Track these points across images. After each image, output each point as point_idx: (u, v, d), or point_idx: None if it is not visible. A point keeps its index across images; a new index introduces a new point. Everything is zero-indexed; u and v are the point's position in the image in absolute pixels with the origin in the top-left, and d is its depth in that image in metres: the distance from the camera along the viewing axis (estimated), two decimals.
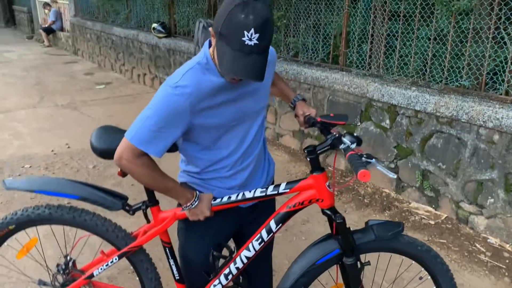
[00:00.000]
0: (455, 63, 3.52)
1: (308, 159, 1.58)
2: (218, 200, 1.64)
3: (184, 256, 1.75)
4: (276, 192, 1.59)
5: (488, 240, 3.17)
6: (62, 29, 12.87)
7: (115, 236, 1.72)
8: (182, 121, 1.45)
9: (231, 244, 1.87)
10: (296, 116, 1.85)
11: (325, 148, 1.55)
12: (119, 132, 1.61)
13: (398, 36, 3.84)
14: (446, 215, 3.49)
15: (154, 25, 7.25)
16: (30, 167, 4.52)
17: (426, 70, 3.71)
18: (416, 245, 1.64)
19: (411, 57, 3.79)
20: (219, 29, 1.34)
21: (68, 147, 5.07)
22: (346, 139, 1.51)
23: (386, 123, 3.86)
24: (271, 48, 1.63)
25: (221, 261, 1.72)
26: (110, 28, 9.09)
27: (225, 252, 1.72)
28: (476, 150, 3.21)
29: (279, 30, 5.05)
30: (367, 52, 4.14)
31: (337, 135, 1.56)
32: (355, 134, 1.52)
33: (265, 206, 1.79)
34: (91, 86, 8.22)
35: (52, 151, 4.97)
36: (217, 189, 1.66)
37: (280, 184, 1.59)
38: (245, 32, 1.29)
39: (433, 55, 3.64)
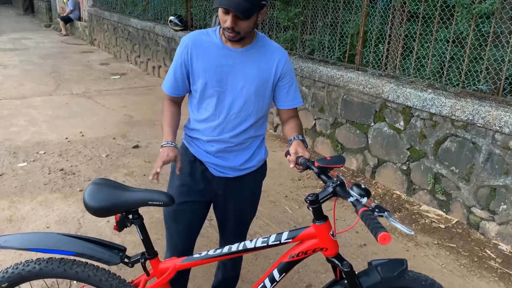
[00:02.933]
0: (473, 67, 3.48)
1: (311, 209, 1.49)
2: (218, 251, 1.61)
3: (167, 230, 2.03)
4: (278, 242, 1.53)
5: (499, 247, 3.14)
6: (79, 18, 12.98)
7: (109, 285, 1.65)
8: (182, 57, 1.81)
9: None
10: (286, 155, 1.73)
11: (328, 197, 1.46)
12: (113, 188, 1.61)
13: (416, 37, 3.81)
14: (457, 220, 3.46)
15: (171, 17, 7.28)
16: (44, 153, 4.58)
17: (443, 73, 3.68)
18: (420, 280, 1.60)
19: (428, 59, 3.75)
20: None
21: (82, 136, 5.12)
22: (355, 193, 1.39)
23: (400, 124, 3.83)
24: (284, 51, 1.85)
25: None
26: (127, 19, 9.14)
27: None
28: (491, 156, 3.18)
29: (296, 27, 5.04)
30: (383, 52, 4.12)
31: (338, 181, 1.47)
32: (362, 186, 1.42)
33: (238, 187, 1.92)
34: (106, 76, 8.28)
35: (66, 138, 5.02)
36: (198, 149, 1.90)
37: (282, 233, 1.55)
38: None
39: (451, 57, 3.61)
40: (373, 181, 4.14)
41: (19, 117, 5.73)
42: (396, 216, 3.57)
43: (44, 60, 9.49)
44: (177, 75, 1.83)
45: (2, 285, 1.67)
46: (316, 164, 1.53)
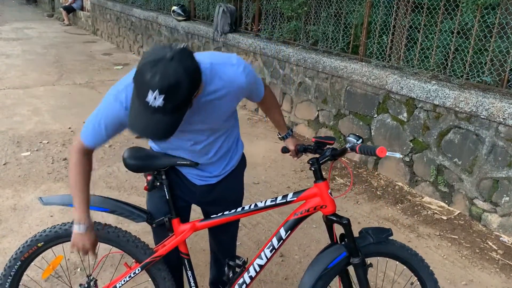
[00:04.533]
0: (477, 58, 3.46)
1: (312, 169, 1.71)
2: (233, 211, 1.75)
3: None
4: (284, 201, 1.71)
5: (501, 239, 3.15)
6: (82, 8, 12.93)
7: (135, 246, 1.79)
8: (115, 125, 1.54)
9: (244, 254, 1.96)
10: (285, 151, 1.97)
11: (326, 158, 1.68)
12: (147, 151, 1.79)
13: (420, 28, 3.78)
14: (459, 211, 3.47)
15: (174, 7, 7.25)
16: (48, 143, 4.59)
17: (447, 64, 3.66)
18: (406, 249, 1.77)
19: (432, 50, 3.73)
20: (133, 76, 1.30)
21: None
22: (351, 138, 1.64)
23: (404, 116, 3.82)
24: (240, 73, 1.54)
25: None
26: (129, 9, 9.10)
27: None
28: (494, 148, 3.17)
29: (299, 18, 5.01)
30: (387, 44, 4.09)
31: (333, 147, 1.70)
32: (356, 134, 1.67)
33: (224, 193, 1.87)
34: (109, 66, 8.27)
35: (69, 128, 5.03)
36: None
37: (288, 194, 1.73)
38: (150, 92, 1.23)
39: (455, 49, 3.59)
40: (376, 173, 4.14)
41: (22, 106, 5.74)
42: (397, 207, 3.58)
43: (46, 50, 9.48)
44: (108, 131, 1.54)
45: (38, 244, 1.76)
46: (313, 139, 1.77)
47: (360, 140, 1.62)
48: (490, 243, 3.09)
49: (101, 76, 7.47)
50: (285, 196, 1.71)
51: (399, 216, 3.45)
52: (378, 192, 3.81)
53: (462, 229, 3.26)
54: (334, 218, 1.69)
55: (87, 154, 1.60)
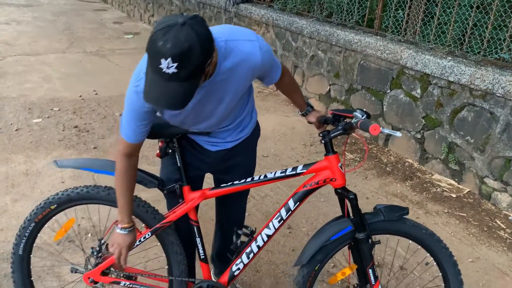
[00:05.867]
0: (496, 34, 3.37)
1: (323, 142, 1.70)
2: (243, 181, 1.76)
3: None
4: (294, 173, 1.71)
5: (510, 218, 3.14)
6: None
7: (146, 211, 1.80)
8: (148, 115, 1.52)
9: (252, 225, 1.98)
10: (309, 123, 1.97)
11: (338, 132, 1.65)
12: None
13: (438, 2, 3.68)
14: (468, 190, 3.45)
15: None
16: (59, 110, 4.61)
17: (464, 40, 3.58)
18: (420, 228, 1.73)
19: (450, 25, 3.64)
20: (146, 45, 1.27)
21: (96, 94, 5.13)
22: (357, 113, 1.63)
23: (417, 92, 3.77)
24: (256, 50, 1.51)
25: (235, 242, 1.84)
26: None
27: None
28: (508, 126, 3.13)
29: None
30: (404, 17, 4.00)
31: (347, 121, 1.66)
32: (364, 110, 1.65)
33: (237, 159, 1.88)
34: (119, 35, 8.21)
35: (80, 96, 5.04)
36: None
37: (298, 166, 1.72)
38: (162, 60, 1.21)
39: (473, 24, 3.50)
40: (386, 149, 4.11)
41: (33, 73, 5.75)
42: (407, 184, 3.57)
43: (57, 17, 9.41)
44: (144, 123, 1.54)
45: (51, 206, 1.81)
46: (331, 112, 1.75)
47: (365, 116, 1.59)
48: (499, 222, 3.09)
49: (112, 45, 7.43)
50: (295, 168, 1.71)
51: (408, 193, 3.44)
52: (387, 169, 3.79)
53: (471, 207, 3.25)
54: (342, 192, 1.69)
55: (133, 155, 1.61)
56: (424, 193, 3.44)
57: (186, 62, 1.21)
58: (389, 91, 4.02)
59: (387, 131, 1.48)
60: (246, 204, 2.17)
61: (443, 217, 3.14)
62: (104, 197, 1.81)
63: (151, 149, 3.84)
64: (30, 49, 6.87)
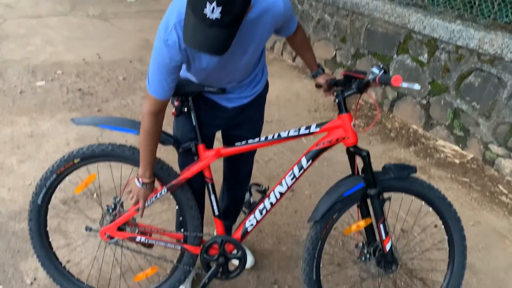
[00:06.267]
0: None
1: (336, 101, 1.69)
2: (257, 139, 1.78)
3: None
4: (307, 131, 1.72)
5: None
6: None
7: (161, 168, 1.81)
8: (176, 70, 1.53)
9: (270, 183, 1.99)
10: (318, 86, 1.92)
11: (352, 91, 1.65)
12: None
13: None
14: (472, 156, 3.45)
15: None
16: (62, 73, 4.59)
17: (474, 3, 3.49)
18: (432, 189, 1.75)
19: None
20: None
21: (99, 57, 5.09)
22: (374, 69, 1.60)
23: (424, 57, 3.71)
24: (277, 1, 1.51)
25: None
26: None
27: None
28: None
29: None
30: None
31: (362, 80, 1.64)
32: (380, 66, 1.61)
33: (250, 113, 1.89)
34: None
35: (83, 60, 5.00)
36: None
37: (311, 125, 1.72)
38: (207, 4, 1.20)
39: None
40: (391, 115, 4.09)
41: (35, 36, 5.69)
42: (410, 149, 3.57)
43: None
44: (173, 76, 1.54)
45: (75, 160, 1.82)
46: (343, 73, 1.71)
47: (382, 71, 1.57)
48: (501, 187, 3.10)
49: (115, 9, 7.31)
50: (308, 127, 1.71)
51: (412, 158, 3.45)
52: (391, 134, 3.79)
53: (474, 173, 3.26)
54: (355, 150, 1.70)
55: (160, 113, 1.62)
56: (428, 158, 3.44)
57: (230, 7, 1.23)
58: (395, 56, 3.97)
59: (406, 84, 1.47)
60: (253, 163, 2.20)
61: (446, 182, 3.15)
62: (128, 156, 1.81)
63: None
64: (31, 11, 6.78)
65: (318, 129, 1.70)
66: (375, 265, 1.80)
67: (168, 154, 2.54)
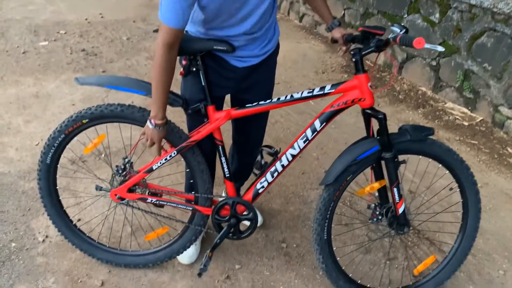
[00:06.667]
0: None
1: (353, 60, 1.62)
2: (268, 101, 1.71)
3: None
4: (322, 92, 1.66)
5: None
6: None
7: (171, 130, 1.77)
8: None
9: (277, 145, 1.96)
10: (333, 41, 1.83)
11: (370, 50, 1.56)
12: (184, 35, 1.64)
13: None
14: (481, 118, 3.41)
15: None
16: (65, 33, 4.51)
17: None
18: (450, 151, 1.70)
19: None
20: None
21: (102, 17, 4.99)
22: (395, 28, 1.54)
23: (436, 17, 3.61)
24: None
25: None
26: None
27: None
28: None
29: None
30: None
31: (380, 38, 1.56)
32: (402, 24, 1.54)
33: (261, 76, 1.83)
34: None
35: (86, 19, 4.91)
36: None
37: (325, 86, 1.66)
38: None
39: None
40: (399, 77, 4.03)
41: None
42: (419, 111, 3.53)
43: None
44: (188, 2, 1.44)
45: (83, 120, 1.79)
46: (360, 29, 1.63)
47: (404, 31, 1.50)
48: (510, 150, 3.08)
49: None
50: (322, 88, 1.65)
51: (420, 120, 3.42)
52: (400, 96, 3.74)
53: (482, 135, 3.23)
54: (371, 112, 1.65)
55: (174, 47, 1.53)
56: (436, 120, 3.41)
57: None
58: (406, 16, 3.86)
59: (429, 45, 1.40)
60: (264, 129, 2.13)
61: (454, 144, 3.13)
62: (138, 118, 1.77)
63: None
64: None
65: (333, 90, 1.64)
66: (386, 226, 1.80)
67: (174, 116, 2.52)
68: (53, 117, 3.12)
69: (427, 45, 1.40)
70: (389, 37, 1.51)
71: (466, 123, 3.37)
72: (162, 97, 1.61)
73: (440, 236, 2.32)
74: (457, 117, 3.45)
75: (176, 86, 1.86)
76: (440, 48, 1.43)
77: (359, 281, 1.89)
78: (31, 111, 3.18)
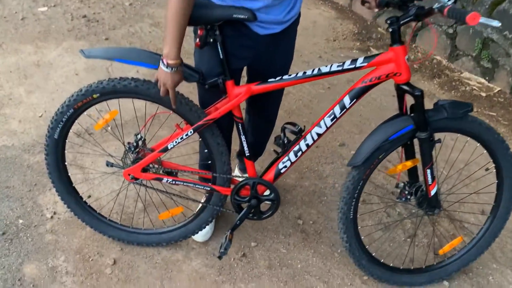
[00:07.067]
0: None
1: (390, 30, 1.46)
2: (293, 75, 1.58)
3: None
4: (353, 66, 1.52)
5: None
6: None
7: (189, 109, 1.65)
8: None
9: (302, 123, 1.86)
10: (364, 2, 1.66)
11: (409, 18, 1.42)
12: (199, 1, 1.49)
13: None
14: (499, 89, 3.29)
15: None
16: None
17: None
18: (490, 130, 1.59)
19: None
20: None
21: None
22: None
23: None
24: None
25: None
26: None
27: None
28: None
29: None
30: None
31: (419, 5, 1.41)
32: None
33: (281, 46, 1.70)
34: None
35: None
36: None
37: (358, 59, 1.51)
38: None
39: None
40: (413, 45, 3.88)
41: None
42: (434, 82, 3.41)
43: None
44: None
45: (94, 95, 1.67)
46: None
47: (452, 1, 1.34)
48: None
49: None
50: (354, 61, 1.51)
51: (436, 91, 3.30)
52: (414, 66, 3.60)
53: (501, 107, 3.12)
54: (407, 88, 1.51)
55: None
56: (453, 91, 3.29)
57: None
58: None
59: (484, 19, 1.25)
60: (279, 104, 2.01)
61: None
62: (153, 94, 1.64)
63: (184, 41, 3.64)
64: None
65: (365, 64, 1.50)
66: (415, 205, 1.72)
67: (181, 86, 2.41)
68: (56, 87, 3.00)
69: (482, 20, 1.24)
70: (434, 6, 1.35)
71: (483, 94, 3.25)
72: (177, 36, 1.42)
73: (468, 217, 2.25)
74: (474, 87, 3.33)
75: (190, 59, 1.74)
76: (496, 23, 1.26)
77: (382, 260, 1.83)
78: (32, 81, 3.06)
